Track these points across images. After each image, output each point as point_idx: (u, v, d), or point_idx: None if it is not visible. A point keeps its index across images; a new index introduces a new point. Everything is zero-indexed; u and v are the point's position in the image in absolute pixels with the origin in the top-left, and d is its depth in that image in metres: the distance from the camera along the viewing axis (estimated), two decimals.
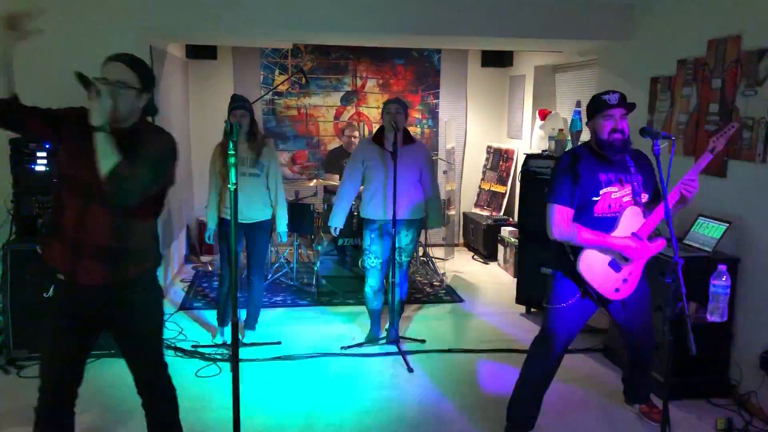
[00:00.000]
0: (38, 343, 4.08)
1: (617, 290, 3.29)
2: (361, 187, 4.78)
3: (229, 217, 4.61)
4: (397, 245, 4.64)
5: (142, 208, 2.51)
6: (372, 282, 4.77)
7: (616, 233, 3.21)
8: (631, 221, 3.23)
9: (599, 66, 5.78)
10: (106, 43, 4.67)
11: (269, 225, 4.79)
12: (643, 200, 3.26)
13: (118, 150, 2.37)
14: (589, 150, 3.28)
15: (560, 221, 3.18)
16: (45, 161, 4.41)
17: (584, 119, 3.92)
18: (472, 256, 7.72)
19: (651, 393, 3.85)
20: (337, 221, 4.76)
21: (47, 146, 4.40)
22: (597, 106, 3.20)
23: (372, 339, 4.84)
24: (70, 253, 2.50)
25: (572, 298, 3.32)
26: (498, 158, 7.96)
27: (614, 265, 3.26)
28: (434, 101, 8.16)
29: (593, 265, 3.24)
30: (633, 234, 3.21)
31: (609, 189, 3.20)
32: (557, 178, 3.24)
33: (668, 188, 2.89)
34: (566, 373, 4.06)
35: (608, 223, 3.22)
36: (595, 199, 3.19)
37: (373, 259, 4.72)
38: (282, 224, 4.80)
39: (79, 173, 2.47)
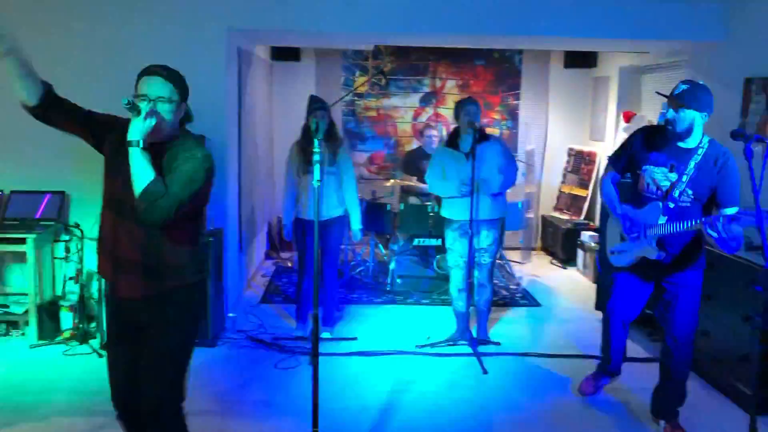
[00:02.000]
0: None
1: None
2: None
3: (303, 216, 4.77)
4: (477, 246, 4.64)
5: (175, 225, 2.44)
6: (456, 281, 4.78)
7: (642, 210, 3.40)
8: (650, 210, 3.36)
9: (689, 67, 5.59)
10: (196, 45, 4.91)
11: (342, 222, 4.89)
12: (684, 197, 3.26)
13: (152, 167, 2.35)
14: (662, 129, 3.36)
15: (603, 174, 3.66)
16: None
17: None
18: (550, 261, 7.60)
19: (678, 410, 3.60)
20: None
21: None
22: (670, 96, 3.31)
23: (454, 339, 4.83)
24: (111, 266, 2.53)
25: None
26: (579, 161, 7.80)
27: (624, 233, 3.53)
28: (514, 102, 8.08)
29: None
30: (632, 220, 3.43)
31: (653, 168, 3.35)
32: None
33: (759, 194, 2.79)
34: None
35: (645, 201, 3.39)
36: (638, 172, 3.41)
37: (456, 258, 4.73)
38: (356, 222, 4.89)
39: (113, 187, 2.49)
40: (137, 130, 2.34)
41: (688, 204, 3.27)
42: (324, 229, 4.76)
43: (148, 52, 4.84)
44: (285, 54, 7.59)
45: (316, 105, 4.69)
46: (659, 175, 3.33)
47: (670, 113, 3.21)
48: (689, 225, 3.10)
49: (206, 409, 3.69)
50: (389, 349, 4.71)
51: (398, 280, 6.16)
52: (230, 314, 4.98)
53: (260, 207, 6.84)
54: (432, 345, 4.77)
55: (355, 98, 7.97)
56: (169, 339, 2.56)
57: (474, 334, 4.82)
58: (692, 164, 3.23)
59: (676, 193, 3.27)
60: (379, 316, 5.51)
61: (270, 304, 5.76)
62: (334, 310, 5.07)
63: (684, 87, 3.19)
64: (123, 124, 2.43)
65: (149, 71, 2.46)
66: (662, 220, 3.28)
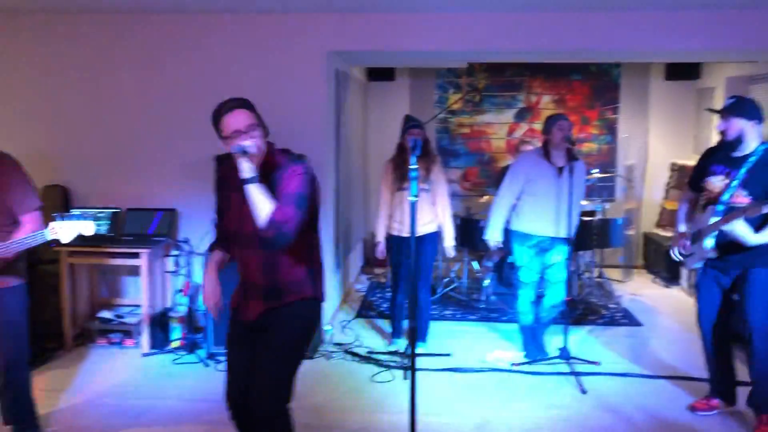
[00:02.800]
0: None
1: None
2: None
3: (396, 232, 4.84)
4: (551, 262, 4.56)
5: (292, 243, 2.57)
6: (526, 297, 4.73)
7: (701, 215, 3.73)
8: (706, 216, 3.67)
9: None
10: (297, 68, 5.12)
11: (435, 238, 4.91)
12: (736, 199, 3.52)
13: (270, 197, 2.50)
14: (722, 145, 3.66)
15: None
16: None
17: None
18: (652, 279, 7.32)
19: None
20: (496, 234, 4.72)
21: None
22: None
23: (534, 358, 4.76)
24: (242, 292, 2.78)
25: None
26: (683, 176, 7.49)
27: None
28: (613, 116, 7.88)
29: None
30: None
31: (712, 178, 3.67)
32: None
33: None
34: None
35: (705, 208, 3.72)
36: (701, 185, 3.76)
37: (529, 275, 4.66)
38: (449, 239, 4.91)
39: (229, 221, 2.72)
40: (250, 167, 2.49)
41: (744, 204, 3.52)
42: (418, 245, 4.81)
43: (252, 75, 5.12)
44: (380, 74, 7.76)
45: (412, 123, 4.77)
46: (715, 183, 3.66)
47: (721, 124, 3.56)
48: (738, 216, 3.38)
49: (305, 422, 3.79)
50: (484, 366, 4.69)
51: (492, 297, 6.11)
52: (327, 327, 5.11)
53: (355, 224, 6.99)
54: (529, 363, 4.70)
55: (448, 115, 8.02)
56: (282, 342, 2.68)
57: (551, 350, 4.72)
58: (744, 169, 3.52)
59: (726, 196, 3.55)
60: (473, 333, 5.49)
61: (365, 319, 5.86)
62: (427, 326, 5.10)
63: (731, 100, 3.59)
64: (219, 167, 2.62)
65: (228, 108, 2.56)
66: (713, 220, 3.60)
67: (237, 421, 2.83)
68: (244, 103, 2.59)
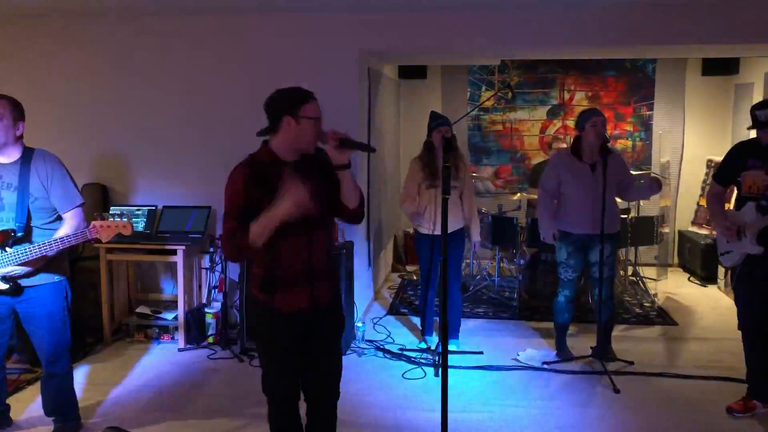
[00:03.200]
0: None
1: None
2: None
3: (427, 231, 4.84)
4: (595, 260, 4.51)
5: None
6: (567, 293, 4.67)
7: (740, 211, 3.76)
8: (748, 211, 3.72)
9: None
10: (330, 66, 5.17)
11: (462, 234, 4.92)
12: None
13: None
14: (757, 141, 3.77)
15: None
16: None
17: None
18: (688, 278, 7.21)
19: None
20: (549, 232, 4.67)
21: None
22: (752, 120, 3.77)
23: (564, 358, 4.74)
24: (308, 284, 2.80)
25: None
26: None
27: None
28: (648, 113, 7.78)
29: None
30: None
31: (750, 173, 3.69)
32: None
33: None
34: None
35: (743, 203, 3.74)
36: (738, 180, 3.78)
37: (570, 273, 4.63)
38: (475, 234, 4.94)
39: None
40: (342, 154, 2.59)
41: None
42: (447, 242, 4.80)
43: (286, 73, 5.17)
44: (412, 72, 7.76)
45: (439, 121, 4.76)
46: (755, 177, 3.68)
47: (763, 115, 3.65)
48: None
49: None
50: (515, 365, 4.68)
51: (524, 296, 6.09)
52: (359, 324, 5.15)
53: (387, 221, 7.02)
54: (560, 362, 4.68)
55: (480, 113, 8.00)
56: (340, 339, 2.87)
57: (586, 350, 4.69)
58: None
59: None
60: (504, 331, 5.48)
61: (396, 316, 5.89)
62: (459, 324, 5.10)
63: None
64: (248, 169, 2.58)
65: (312, 95, 2.63)
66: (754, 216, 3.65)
67: (288, 415, 2.83)
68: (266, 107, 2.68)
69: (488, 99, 7.79)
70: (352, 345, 5.00)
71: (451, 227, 4.77)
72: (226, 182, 2.59)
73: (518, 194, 6.57)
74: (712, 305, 6.22)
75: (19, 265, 3.23)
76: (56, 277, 3.40)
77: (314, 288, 2.69)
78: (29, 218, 3.28)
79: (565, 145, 6.64)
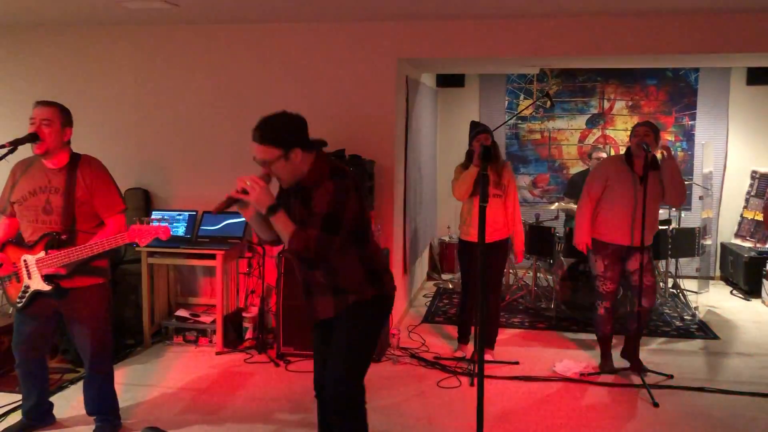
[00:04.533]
0: (304, 341, 4.70)
1: None
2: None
3: (469, 238, 4.83)
4: (634, 268, 4.44)
5: (340, 252, 2.72)
6: (606, 305, 4.61)
7: None
8: None
9: None
10: (369, 74, 5.22)
11: (507, 245, 4.88)
12: None
13: (290, 223, 2.66)
14: None
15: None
16: None
17: None
18: (731, 291, 7.05)
19: None
20: (584, 240, 4.61)
21: None
22: None
23: (608, 370, 4.66)
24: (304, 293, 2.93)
25: None
26: (765, 184, 7.19)
27: None
28: (690, 123, 7.64)
29: None
30: None
31: None
32: None
33: None
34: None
35: None
36: None
37: (609, 285, 4.56)
38: (519, 244, 4.89)
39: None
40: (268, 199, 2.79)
41: None
42: (489, 252, 4.79)
43: (325, 82, 5.25)
44: (449, 81, 7.77)
45: (479, 129, 4.77)
46: None
47: None
48: None
49: (371, 425, 3.83)
50: (552, 376, 4.63)
51: (561, 306, 6.02)
52: (394, 332, 5.15)
53: (423, 229, 7.02)
54: (598, 374, 4.62)
55: (518, 121, 7.95)
56: (347, 336, 2.83)
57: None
58: None
59: None
60: (541, 342, 5.43)
61: (431, 324, 5.88)
62: (496, 333, 5.07)
63: None
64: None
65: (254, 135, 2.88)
66: None
67: (319, 401, 3.02)
68: (260, 138, 2.91)
69: (526, 108, 7.74)
70: (387, 352, 5.00)
71: (493, 236, 4.74)
72: (337, 194, 2.64)
73: (556, 203, 6.51)
74: (755, 319, 6.07)
75: (60, 267, 3.32)
76: (98, 280, 3.49)
77: (316, 302, 2.89)
78: (75, 222, 3.38)
79: (604, 155, 6.56)
